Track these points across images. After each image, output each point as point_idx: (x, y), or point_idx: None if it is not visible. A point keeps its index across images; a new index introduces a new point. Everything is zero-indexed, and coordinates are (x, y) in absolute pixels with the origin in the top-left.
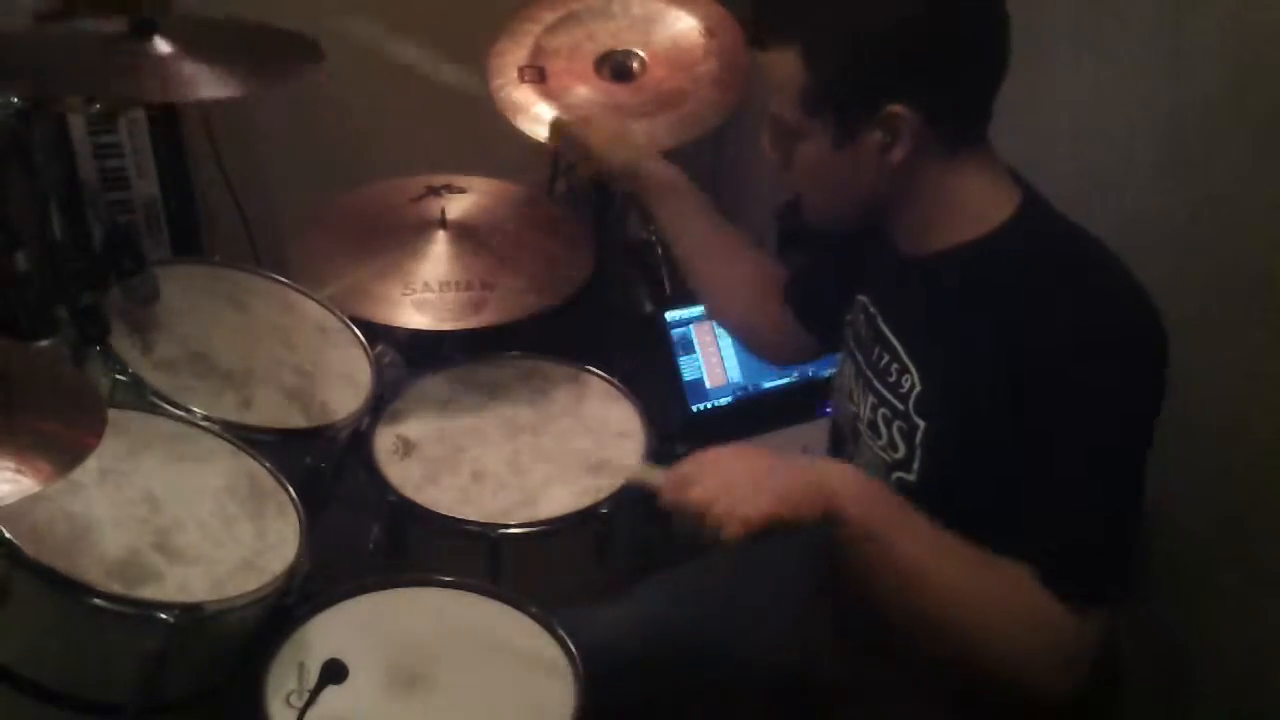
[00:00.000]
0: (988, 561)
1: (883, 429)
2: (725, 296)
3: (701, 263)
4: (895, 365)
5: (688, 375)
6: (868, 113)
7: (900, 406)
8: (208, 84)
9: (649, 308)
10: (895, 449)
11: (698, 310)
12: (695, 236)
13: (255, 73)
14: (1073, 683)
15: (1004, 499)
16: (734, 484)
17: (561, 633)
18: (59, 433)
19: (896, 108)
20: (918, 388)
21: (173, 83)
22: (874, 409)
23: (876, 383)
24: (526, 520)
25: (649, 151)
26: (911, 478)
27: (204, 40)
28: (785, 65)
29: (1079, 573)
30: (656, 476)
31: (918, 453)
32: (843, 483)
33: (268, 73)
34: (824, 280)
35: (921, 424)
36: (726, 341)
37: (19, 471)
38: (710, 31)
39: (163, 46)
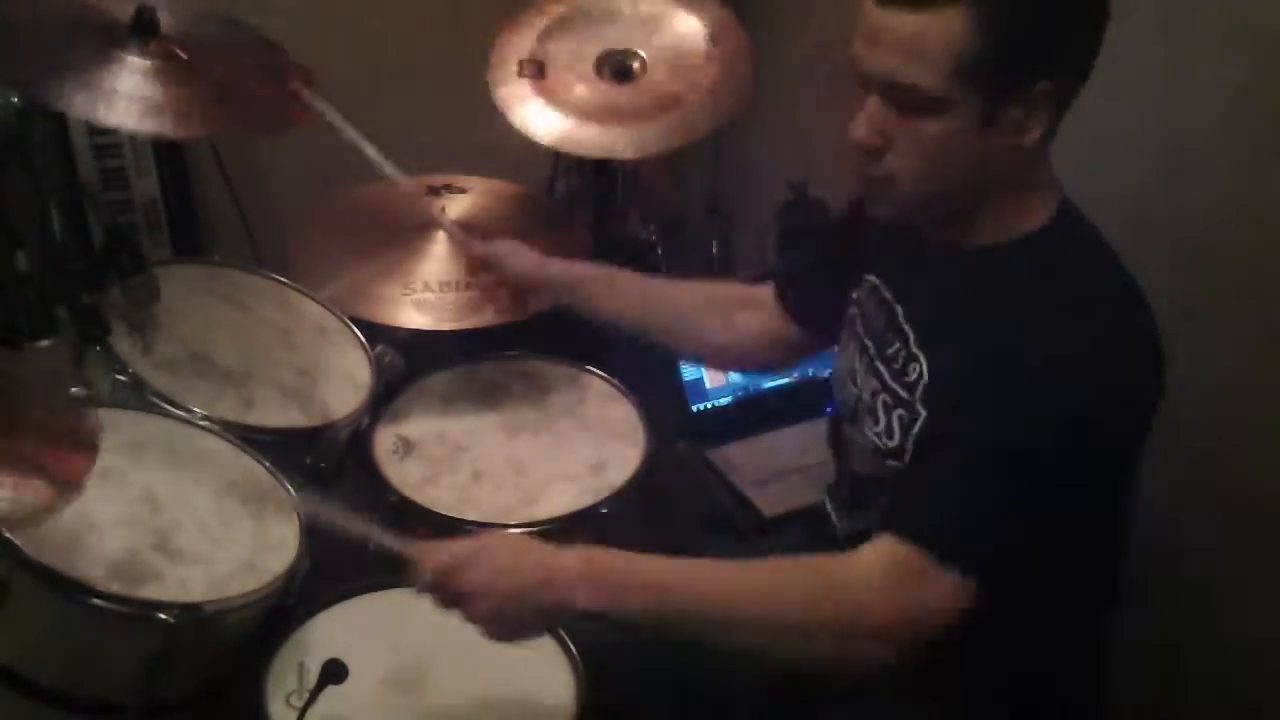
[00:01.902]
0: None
1: (881, 415)
2: (691, 337)
3: (653, 322)
4: (904, 353)
5: (688, 375)
6: (1021, 88)
7: (905, 395)
8: (199, 122)
9: None
10: (890, 436)
11: None
12: (627, 305)
13: (248, 118)
14: (908, 639)
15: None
16: (485, 595)
17: (562, 632)
18: (49, 462)
19: (1046, 85)
20: (925, 379)
21: (167, 118)
22: (874, 394)
23: (881, 367)
24: (526, 520)
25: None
26: (902, 466)
27: (198, 65)
28: (945, 26)
29: (934, 528)
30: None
31: (910, 444)
32: (566, 584)
33: (257, 123)
34: (821, 274)
35: (923, 414)
36: None
37: (12, 494)
38: (715, 38)
39: (150, 62)
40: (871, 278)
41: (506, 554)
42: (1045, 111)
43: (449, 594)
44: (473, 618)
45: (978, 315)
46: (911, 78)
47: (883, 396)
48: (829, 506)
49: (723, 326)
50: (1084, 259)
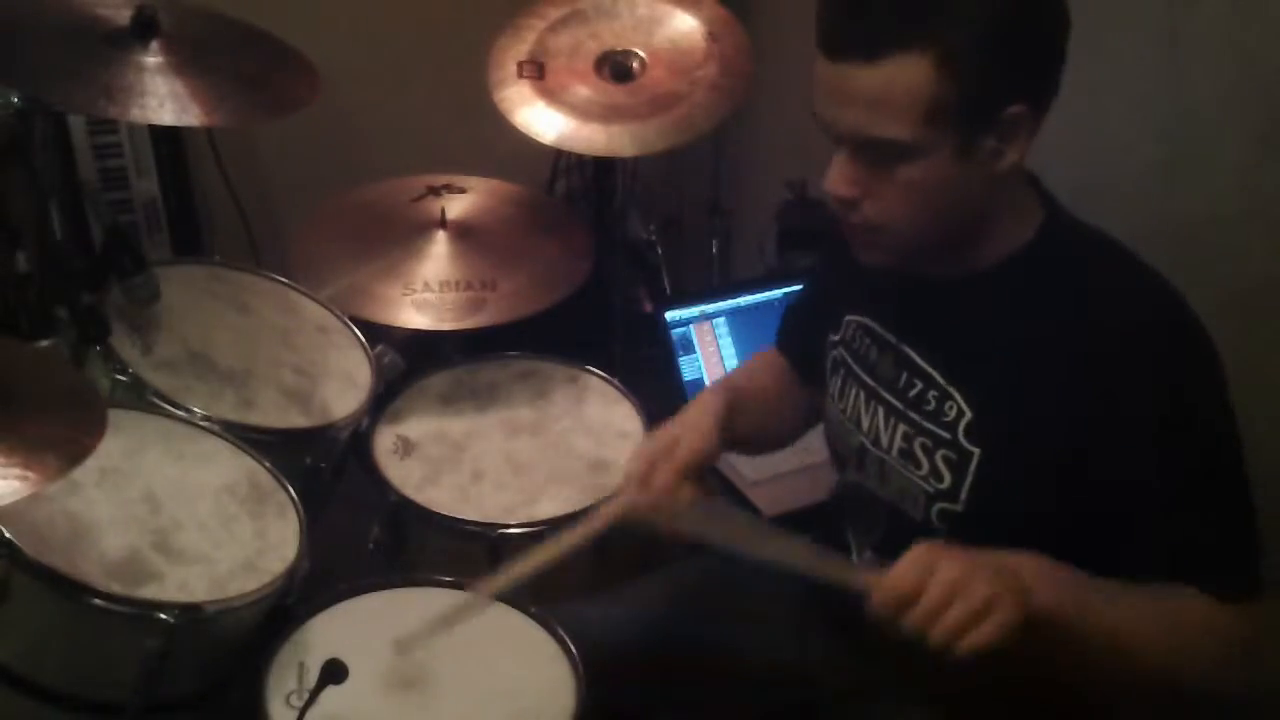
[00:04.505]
0: (1163, 601)
1: (923, 458)
2: (788, 435)
3: (770, 436)
4: (933, 393)
5: (688, 375)
6: (993, 116)
7: (946, 435)
8: (201, 112)
9: (649, 308)
10: (940, 478)
11: (697, 310)
12: (753, 430)
13: (250, 106)
14: (1257, 674)
15: (1096, 520)
16: (975, 589)
17: (561, 633)
18: (59, 433)
19: (1019, 108)
20: (967, 415)
21: (168, 108)
22: (908, 438)
23: (909, 411)
24: (526, 520)
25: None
26: (957, 508)
27: (200, 57)
28: (909, 74)
29: (1235, 571)
30: (857, 577)
31: (968, 481)
32: (1035, 579)
33: (262, 108)
34: (812, 322)
35: (976, 451)
36: (726, 341)
37: (20, 472)
38: (714, 36)
39: (157, 59)
40: (858, 317)
41: (959, 554)
42: (1021, 133)
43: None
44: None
45: (1013, 338)
46: (880, 130)
47: (920, 440)
48: (852, 541)
49: (792, 415)
50: (1090, 250)
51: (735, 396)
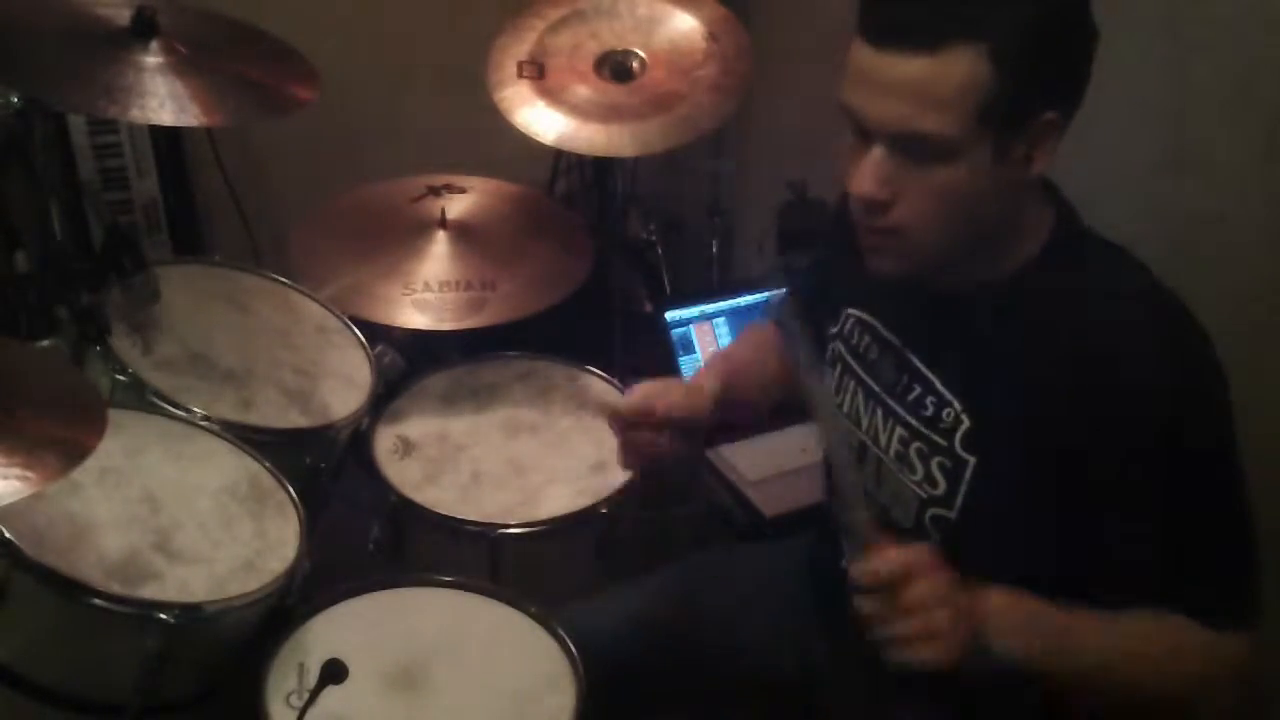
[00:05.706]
0: (1157, 627)
1: (917, 463)
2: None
3: (760, 405)
4: (931, 399)
5: (688, 375)
6: (1029, 120)
7: (942, 442)
8: (201, 112)
9: (649, 308)
10: (934, 484)
11: (697, 310)
12: (746, 397)
13: (250, 106)
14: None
15: (1092, 542)
16: (939, 614)
17: (561, 633)
18: (59, 433)
19: (1052, 114)
20: (965, 423)
21: (168, 108)
22: (904, 442)
23: (906, 415)
24: (526, 520)
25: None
26: (951, 515)
27: (201, 57)
28: (960, 66)
29: (1227, 598)
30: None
31: (962, 489)
32: (1004, 626)
33: (262, 108)
34: (810, 311)
35: (971, 460)
36: (726, 341)
37: (20, 472)
38: (714, 36)
39: (157, 59)
40: (858, 312)
41: (947, 578)
42: (1050, 142)
43: (894, 600)
44: (911, 633)
45: (1015, 352)
46: (927, 125)
47: (916, 445)
48: (845, 548)
49: (780, 388)
50: (1096, 264)
51: (729, 367)
